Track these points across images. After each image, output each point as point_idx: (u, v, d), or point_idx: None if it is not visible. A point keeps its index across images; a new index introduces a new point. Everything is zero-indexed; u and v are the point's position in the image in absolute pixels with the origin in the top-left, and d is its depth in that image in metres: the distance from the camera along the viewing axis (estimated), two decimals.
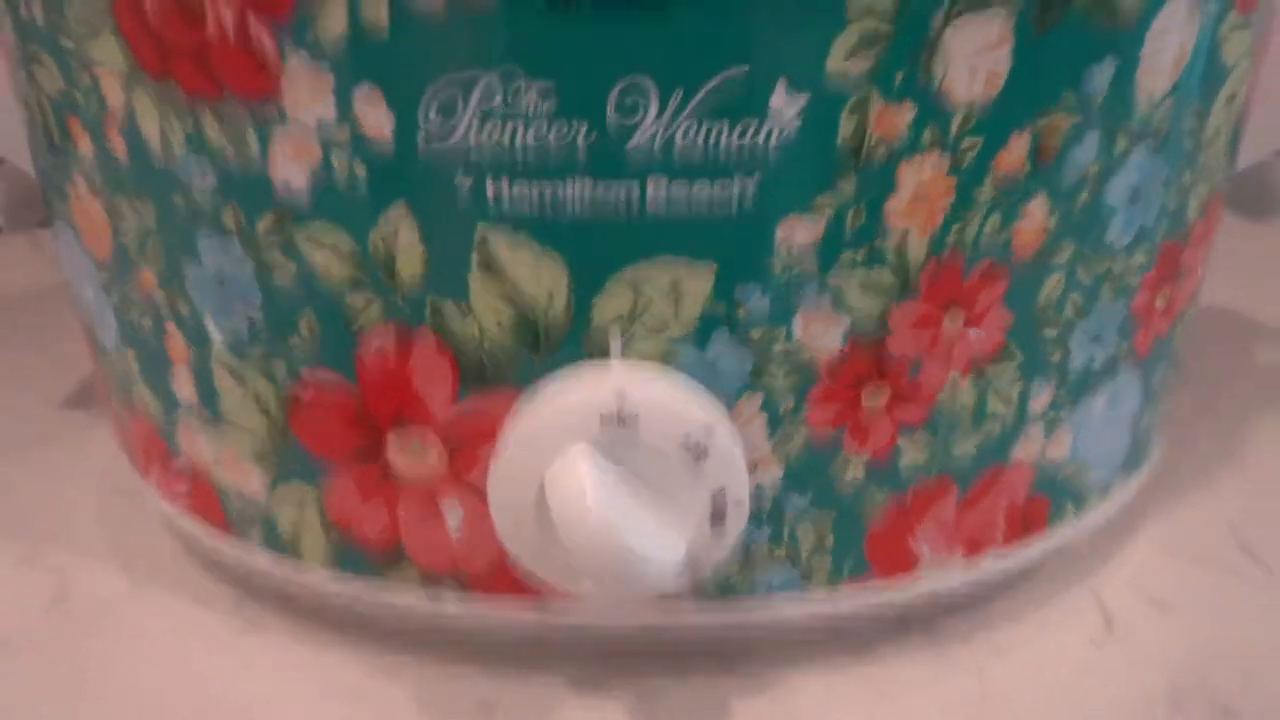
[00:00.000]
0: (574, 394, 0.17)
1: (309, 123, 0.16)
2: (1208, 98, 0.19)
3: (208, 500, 0.22)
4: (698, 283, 0.17)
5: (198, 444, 0.21)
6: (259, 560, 0.22)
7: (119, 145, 0.18)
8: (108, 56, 0.17)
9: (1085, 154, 0.18)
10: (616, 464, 0.17)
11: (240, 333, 0.19)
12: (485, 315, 0.17)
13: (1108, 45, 0.17)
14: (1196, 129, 0.19)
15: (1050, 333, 0.19)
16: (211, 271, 0.19)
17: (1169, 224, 0.20)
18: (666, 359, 0.17)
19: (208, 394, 0.20)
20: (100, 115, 0.18)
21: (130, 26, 0.17)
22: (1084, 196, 0.18)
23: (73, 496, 0.28)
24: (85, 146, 0.19)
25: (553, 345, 0.17)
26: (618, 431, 0.17)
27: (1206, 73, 0.19)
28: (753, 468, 0.18)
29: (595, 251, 0.17)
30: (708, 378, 0.17)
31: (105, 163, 0.19)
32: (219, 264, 0.18)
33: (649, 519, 0.17)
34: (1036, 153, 0.17)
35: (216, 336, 0.19)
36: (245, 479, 0.21)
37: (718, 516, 0.17)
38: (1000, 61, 0.16)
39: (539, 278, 0.17)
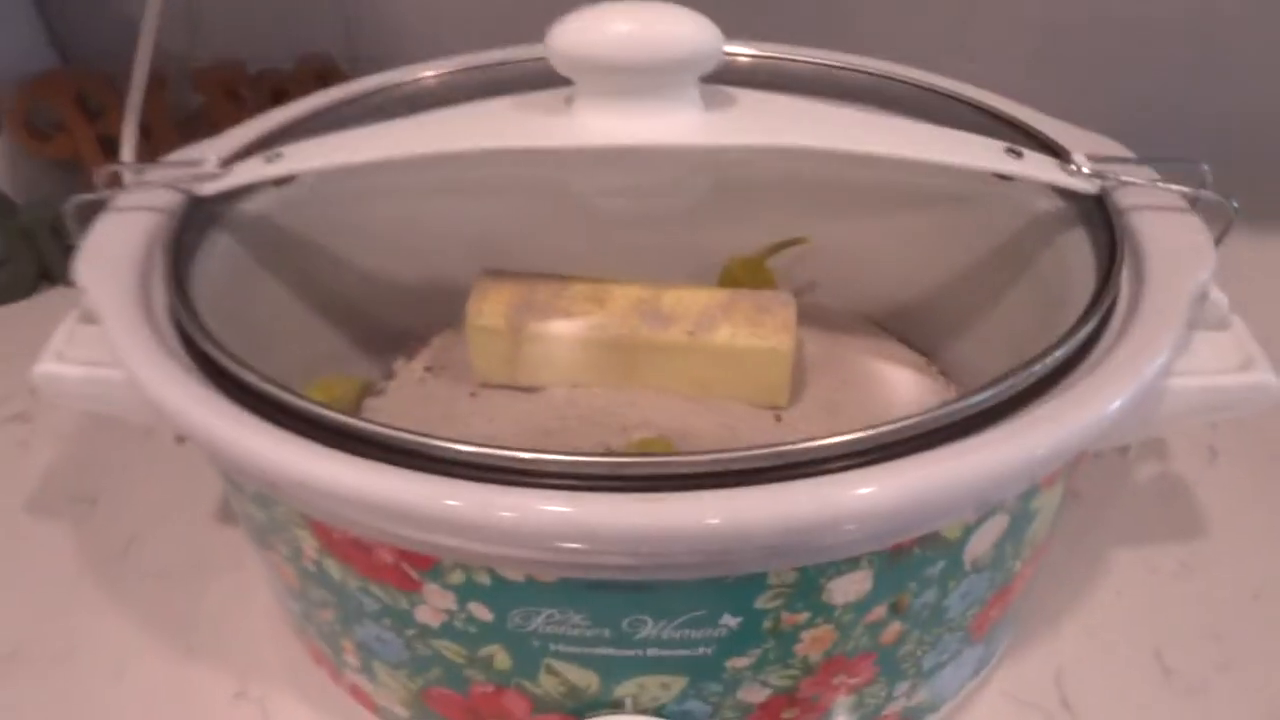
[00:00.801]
0: None
1: (439, 607, 0.26)
2: (1023, 530, 0.29)
3: (365, 700, 0.34)
4: (678, 682, 0.28)
5: (359, 680, 0.33)
6: None
7: (309, 568, 0.29)
8: (305, 538, 0.27)
9: (927, 599, 0.27)
10: None
11: (392, 661, 0.30)
12: (548, 687, 0.28)
13: (939, 556, 0.26)
14: (1018, 545, 0.29)
15: (907, 666, 0.30)
16: (373, 634, 0.29)
17: (998, 585, 0.30)
18: (658, 713, 0.28)
19: (368, 669, 0.32)
20: (297, 553, 0.28)
21: (322, 535, 0.27)
22: (926, 612, 0.28)
23: (253, 624, 0.40)
24: (281, 554, 0.29)
25: (589, 701, 0.28)
26: None
27: (1020, 525, 0.28)
28: None
29: (615, 670, 0.27)
30: (684, 718, 0.29)
31: (299, 570, 0.29)
32: (378, 633, 0.29)
33: None
34: (893, 608, 0.27)
35: (376, 656, 0.30)
36: (393, 706, 0.33)
37: None
38: (864, 584, 0.26)
39: (581, 677, 0.28)
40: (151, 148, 0.59)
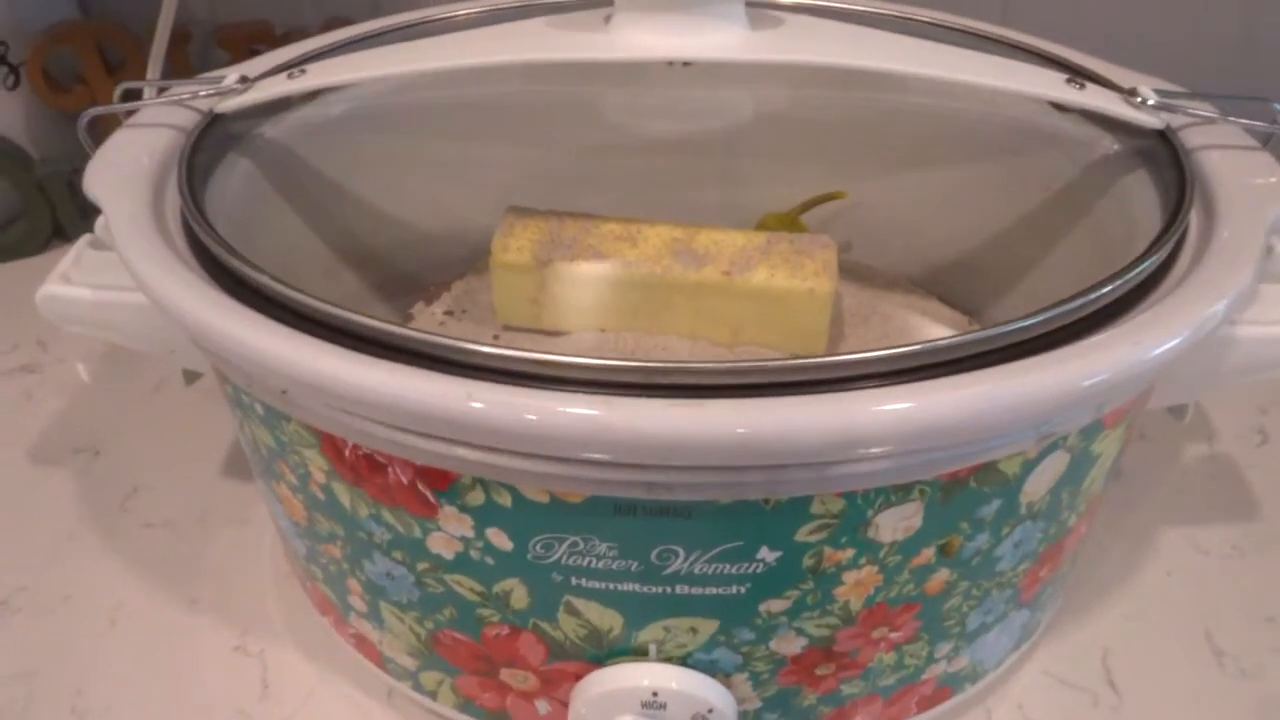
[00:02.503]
0: (622, 683, 0.26)
1: (454, 534, 0.25)
2: (1081, 475, 0.27)
3: (370, 651, 0.32)
4: (707, 626, 0.26)
5: (365, 627, 0.31)
6: (405, 688, 0.32)
7: (318, 495, 0.27)
8: (314, 460, 0.26)
9: (979, 544, 0.25)
10: None
11: (402, 601, 0.28)
12: (568, 629, 0.26)
13: (994, 494, 0.24)
14: (1074, 493, 0.27)
15: (951, 624, 0.28)
16: (382, 570, 0.28)
17: (1052, 537, 0.28)
18: (684, 661, 0.26)
19: (375, 614, 0.30)
20: (305, 479, 0.27)
21: (333, 454, 0.25)
22: (977, 560, 0.26)
23: (255, 577, 0.39)
24: (289, 483, 0.28)
25: (610, 648, 0.27)
26: (654, 712, 0.26)
27: (1079, 469, 0.26)
28: (741, 702, 0.28)
29: (641, 611, 0.25)
30: (711, 668, 0.27)
31: (307, 499, 0.27)
32: (388, 568, 0.27)
33: None
34: (942, 550, 0.25)
35: (384, 596, 0.29)
36: (399, 656, 0.31)
37: None
38: (914, 519, 0.24)
39: (603, 619, 0.26)
40: None
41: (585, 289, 0.34)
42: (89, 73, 0.56)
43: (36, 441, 0.45)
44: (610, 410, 0.20)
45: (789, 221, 0.41)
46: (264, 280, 0.24)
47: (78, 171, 0.32)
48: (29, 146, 0.58)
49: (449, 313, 0.38)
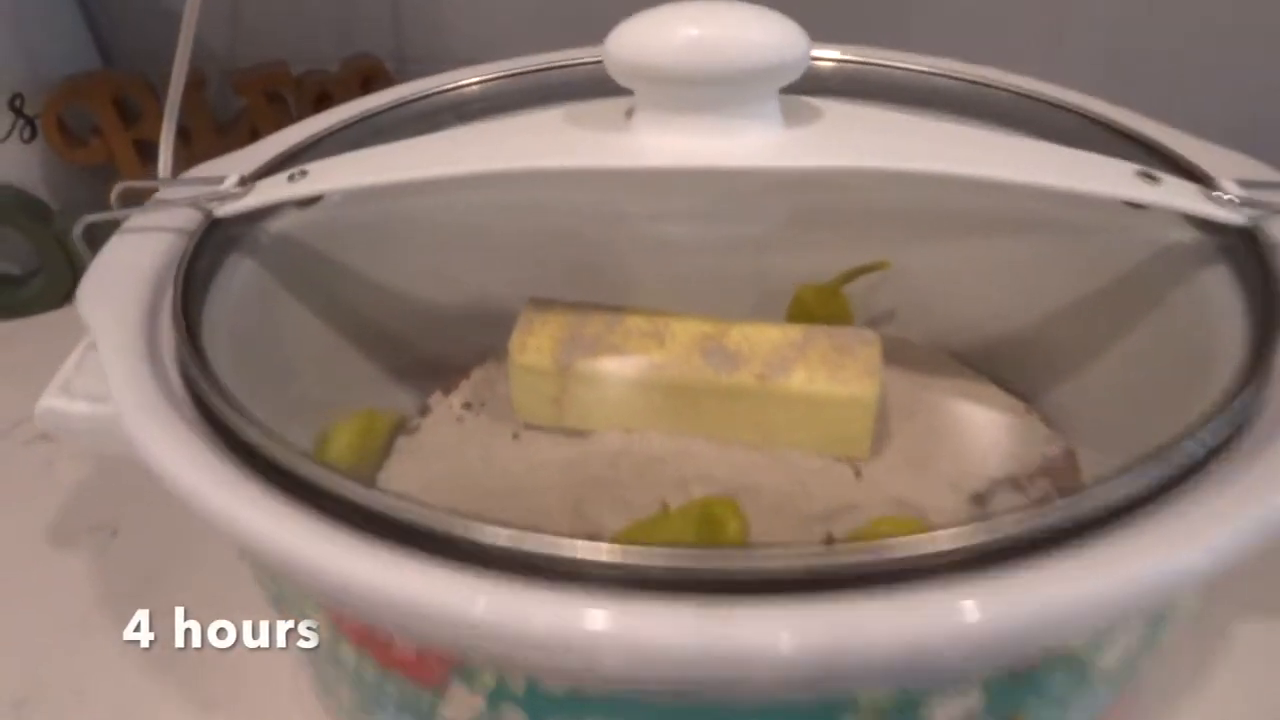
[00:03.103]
0: None
1: (465, 708, 0.23)
2: (1162, 633, 0.24)
3: None
4: None
5: None
6: None
7: (324, 647, 0.25)
8: (317, 613, 0.24)
9: (1045, 715, 0.23)
10: None
11: None
12: None
13: (1065, 673, 0.22)
14: (1153, 648, 0.24)
15: None
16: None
17: (1127, 689, 0.25)
18: None
19: None
20: (311, 628, 0.25)
21: (335, 616, 0.23)
22: None
23: (273, 685, 0.37)
24: (295, 626, 0.26)
25: None
26: None
27: (1160, 629, 0.23)
28: None
29: None
30: None
31: (313, 648, 0.26)
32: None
33: None
34: None
35: None
36: None
37: None
38: (974, 705, 0.21)
39: None
40: (190, 153, 0.56)
41: (609, 391, 0.32)
42: (105, 125, 0.54)
43: (55, 517, 0.44)
44: (628, 619, 0.18)
45: (827, 295, 0.38)
46: (252, 435, 0.22)
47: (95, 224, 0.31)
48: (48, 198, 0.57)
49: (467, 405, 0.36)
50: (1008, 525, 0.19)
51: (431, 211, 0.34)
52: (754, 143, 0.26)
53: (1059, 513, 0.20)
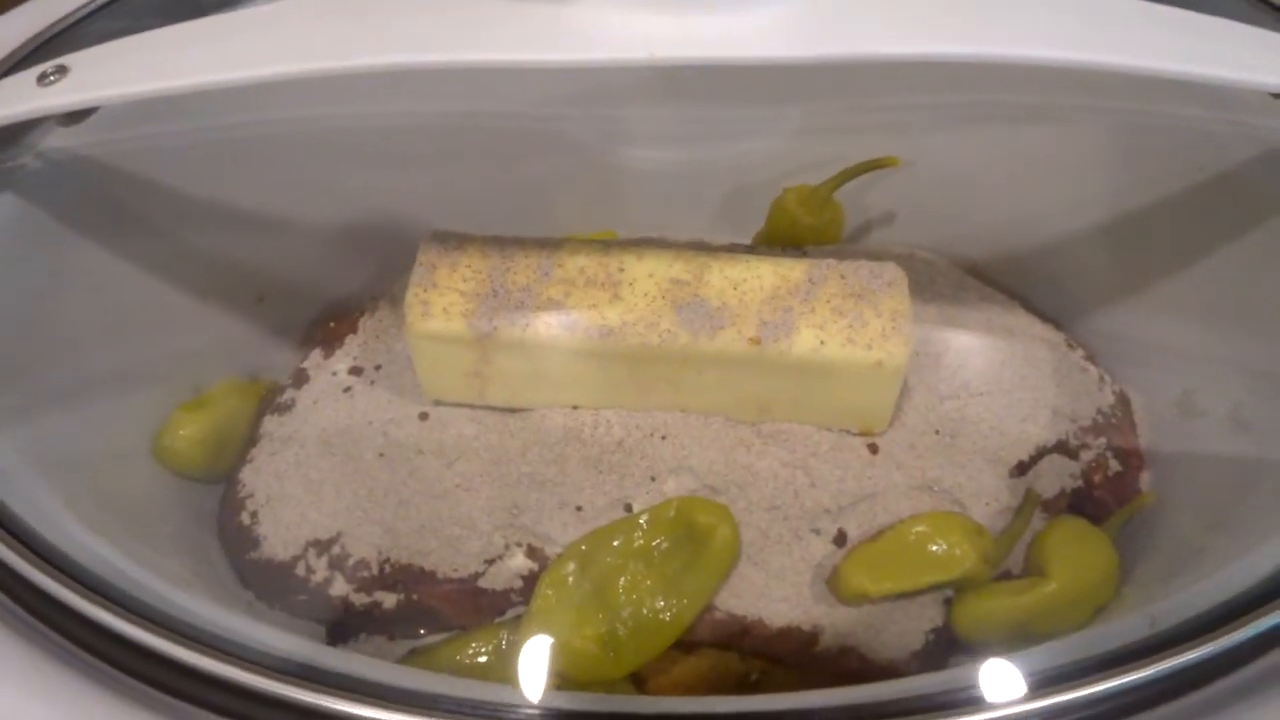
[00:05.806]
0: None
1: None
2: None
3: None
4: None
5: None
6: None
7: None
8: None
9: None
10: None
11: None
12: None
13: None
14: None
15: None
16: None
17: None
18: None
19: None
20: None
21: None
22: None
23: None
24: None
25: None
26: None
27: None
28: None
29: None
30: None
31: None
32: None
33: None
34: None
35: None
36: None
37: None
38: None
39: None
40: None
41: (548, 363, 0.23)
42: None
43: None
44: None
45: (817, 199, 0.30)
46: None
47: None
48: None
49: (356, 370, 0.27)
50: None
51: (278, 110, 0.24)
52: (762, 21, 0.17)
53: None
